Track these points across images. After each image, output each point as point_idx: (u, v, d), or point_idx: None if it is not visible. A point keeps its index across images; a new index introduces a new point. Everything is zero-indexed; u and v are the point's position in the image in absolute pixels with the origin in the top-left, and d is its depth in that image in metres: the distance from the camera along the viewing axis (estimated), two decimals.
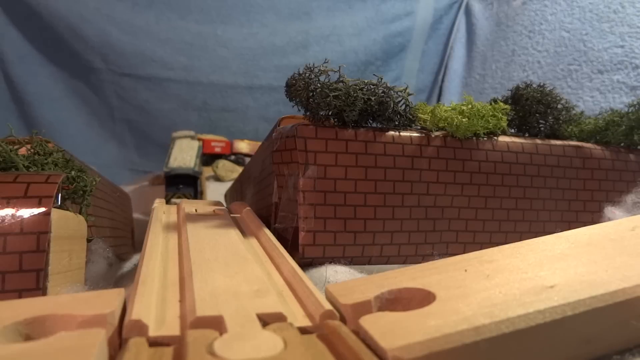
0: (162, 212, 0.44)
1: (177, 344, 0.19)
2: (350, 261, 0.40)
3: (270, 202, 0.44)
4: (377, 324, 0.19)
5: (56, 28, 1.16)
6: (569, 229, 0.30)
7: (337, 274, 0.37)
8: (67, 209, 0.32)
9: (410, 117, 0.43)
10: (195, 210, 0.45)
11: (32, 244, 0.26)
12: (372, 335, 0.18)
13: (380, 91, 0.41)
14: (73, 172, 0.34)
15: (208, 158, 1.14)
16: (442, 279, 0.23)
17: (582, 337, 0.21)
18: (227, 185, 0.89)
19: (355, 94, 0.39)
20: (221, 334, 0.19)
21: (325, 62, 0.40)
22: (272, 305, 0.21)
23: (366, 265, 0.41)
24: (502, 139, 0.45)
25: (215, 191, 0.95)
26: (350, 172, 0.40)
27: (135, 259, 0.53)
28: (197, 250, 0.29)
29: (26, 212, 0.27)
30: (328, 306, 0.22)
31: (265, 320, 0.20)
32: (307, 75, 0.40)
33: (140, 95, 1.25)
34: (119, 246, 0.47)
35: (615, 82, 0.94)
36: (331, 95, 0.38)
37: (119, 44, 1.20)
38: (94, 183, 0.36)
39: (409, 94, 0.42)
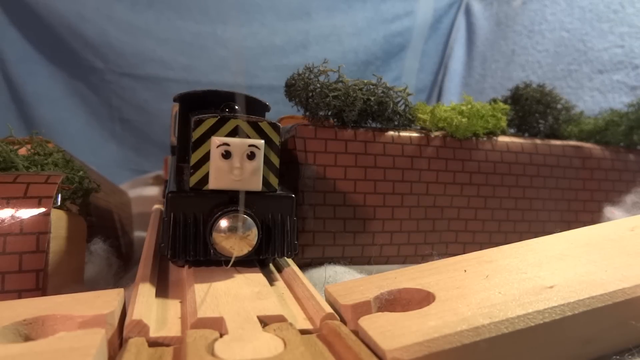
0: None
1: (177, 344, 0.19)
2: (350, 261, 0.40)
3: None
4: (377, 325, 0.19)
5: (56, 28, 1.16)
6: (569, 229, 0.30)
7: (337, 274, 0.37)
8: (67, 209, 0.32)
9: (410, 117, 0.43)
10: None
11: (32, 244, 0.26)
12: (372, 336, 0.18)
13: (380, 91, 0.41)
14: (74, 174, 0.34)
15: None
16: (442, 279, 0.23)
17: (581, 338, 0.21)
18: None
19: (354, 94, 0.39)
20: (222, 335, 0.19)
21: (324, 62, 0.40)
22: (272, 307, 0.22)
23: (366, 266, 0.41)
24: (502, 139, 0.45)
25: None
26: (349, 172, 0.40)
27: (135, 259, 0.53)
28: None
29: (26, 213, 0.27)
30: (329, 309, 0.22)
31: (266, 322, 0.20)
32: (306, 75, 0.40)
33: (140, 95, 1.25)
34: (118, 246, 0.47)
35: (615, 82, 0.94)
36: (330, 95, 0.38)
37: (119, 44, 1.20)
38: (95, 185, 0.36)
39: (408, 94, 0.42)
